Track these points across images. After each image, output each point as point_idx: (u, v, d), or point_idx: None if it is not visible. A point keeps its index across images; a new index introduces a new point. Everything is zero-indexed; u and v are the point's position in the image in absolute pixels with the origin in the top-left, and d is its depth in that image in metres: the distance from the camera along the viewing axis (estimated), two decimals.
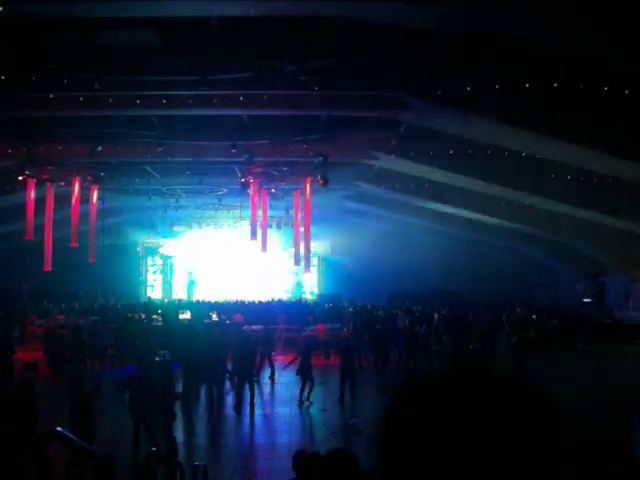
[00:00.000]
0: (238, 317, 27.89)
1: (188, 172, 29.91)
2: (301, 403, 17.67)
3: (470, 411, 1.05)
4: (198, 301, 37.66)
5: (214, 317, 28.39)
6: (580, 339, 29.01)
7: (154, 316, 29.37)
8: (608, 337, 29.41)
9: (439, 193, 29.88)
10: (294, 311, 32.79)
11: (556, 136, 19.34)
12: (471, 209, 31.65)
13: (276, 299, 38.70)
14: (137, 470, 10.36)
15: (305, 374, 17.97)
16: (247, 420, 16.66)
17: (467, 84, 17.89)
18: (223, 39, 17.90)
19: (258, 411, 17.18)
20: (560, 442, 1.09)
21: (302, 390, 17.85)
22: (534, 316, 31.07)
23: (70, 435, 4.30)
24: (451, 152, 24.11)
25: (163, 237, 44.29)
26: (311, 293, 44.21)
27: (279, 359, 24.37)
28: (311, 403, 17.72)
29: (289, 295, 42.23)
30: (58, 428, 4.14)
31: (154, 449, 8.93)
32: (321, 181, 26.43)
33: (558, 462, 1.08)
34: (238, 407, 17.08)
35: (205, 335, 20.79)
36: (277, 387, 21.10)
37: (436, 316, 31.18)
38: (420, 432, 1.06)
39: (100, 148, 24.83)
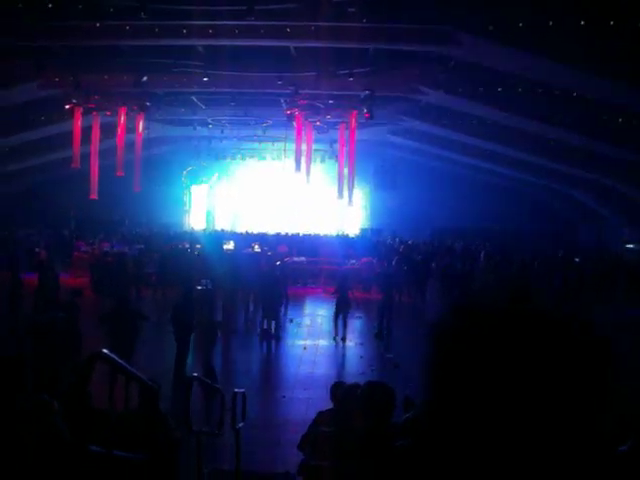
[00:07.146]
0: (282, 248, 28.13)
1: (233, 103, 29.80)
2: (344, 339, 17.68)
3: (525, 337, 1.03)
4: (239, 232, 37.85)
5: (256, 248, 28.61)
6: (621, 284, 28.59)
7: (197, 245, 29.72)
8: None
9: (487, 130, 29.38)
10: (336, 245, 32.87)
11: (612, 77, 18.75)
12: (518, 148, 31.10)
13: (320, 234, 38.56)
14: (178, 393, 10.67)
15: (342, 308, 17.92)
16: (286, 351, 16.94)
17: (520, 20, 17.38)
18: None
19: (298, 342, 17.43)
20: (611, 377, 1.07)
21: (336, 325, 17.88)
22: (577, 259, 30.69)
23: (116, 357, 4.44)
24: (500, 89, 23.60)
25: (207, 168, 44.39)
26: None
27: (320, 292, 24.57)
28: (343, 339, 17.75)
29: (333, 230, 41.98)
30: (104, 350, 4.27)
31: (195, 374, 9.16)
32: (367, 115, 26.21)
33: (608, 394, 1.06)
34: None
35: (246, 265, 21.04)
36: (317, 320, 21.34)
37: (481, 254, 31.06)
38: (473, 356, 1.04)
39: (146, 78, 24.78)
